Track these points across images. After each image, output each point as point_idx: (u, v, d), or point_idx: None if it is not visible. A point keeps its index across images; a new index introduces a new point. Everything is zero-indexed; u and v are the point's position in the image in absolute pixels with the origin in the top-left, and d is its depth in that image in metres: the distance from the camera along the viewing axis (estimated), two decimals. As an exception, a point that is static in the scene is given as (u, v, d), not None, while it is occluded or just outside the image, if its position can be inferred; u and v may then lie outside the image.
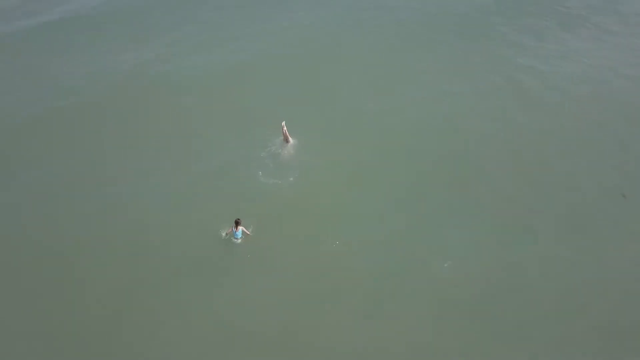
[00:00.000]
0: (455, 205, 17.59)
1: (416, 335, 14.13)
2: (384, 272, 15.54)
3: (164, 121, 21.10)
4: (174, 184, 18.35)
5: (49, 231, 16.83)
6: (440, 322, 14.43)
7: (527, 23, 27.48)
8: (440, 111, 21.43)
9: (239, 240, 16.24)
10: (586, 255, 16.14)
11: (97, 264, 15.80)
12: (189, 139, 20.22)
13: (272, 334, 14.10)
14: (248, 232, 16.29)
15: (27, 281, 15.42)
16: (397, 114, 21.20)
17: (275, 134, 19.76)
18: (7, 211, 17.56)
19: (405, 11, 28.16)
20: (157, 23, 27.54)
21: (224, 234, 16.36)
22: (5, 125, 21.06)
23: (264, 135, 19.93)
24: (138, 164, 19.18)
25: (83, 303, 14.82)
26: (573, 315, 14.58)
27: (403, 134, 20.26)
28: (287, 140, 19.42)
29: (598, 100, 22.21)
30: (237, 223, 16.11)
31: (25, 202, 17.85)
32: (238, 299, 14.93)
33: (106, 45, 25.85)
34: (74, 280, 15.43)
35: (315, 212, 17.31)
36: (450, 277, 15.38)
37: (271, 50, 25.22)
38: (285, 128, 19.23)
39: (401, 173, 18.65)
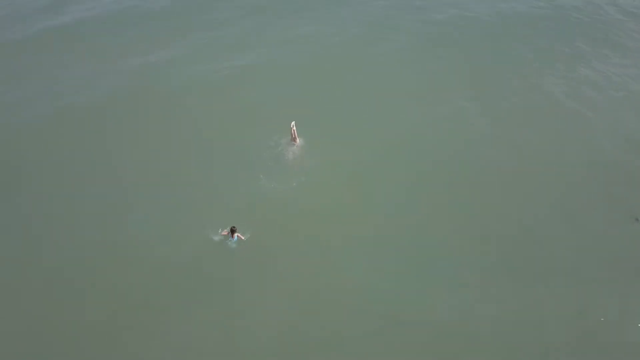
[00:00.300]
0: (456, 207, 17.61)
1: (416, 334, 14.15)
2: (385, 275, 15.55)
3: (168, 122, 21.14)
4: (175, 185, 18.34)
5: (49, 232, 16.83)
6: (436, 315, 14.53)
7: (551, 31, 27.03)
8: (445, 115, 21.42)
9: (234, 246, 16.26)
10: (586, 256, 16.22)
11: (97, 265, 15.80)
12: (192, 140, 20.25)
13: (271, 336, 14.09)
14: (243, 238, 16.30)
15: (27, 281, 15.44)
16: (403, 119, 21.18)
17: (280, 135, 19.82)
18: (8, 211, 17.59)
19: (418, 22, 27.87)
20: (169, 25, 27.52)
21: (216, 238, 16.38)
22: (12, 125, 21.13)
23: (269, 136, 19.95)
24: (139, 165, 19.18)
25: (82, 305, 14.80)
26: (573, 317, 14.59)
27: (408, 140, 20.18)
28: (294, 141, 19.50)
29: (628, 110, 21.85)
30: (232, 231, 16.17)
31: (26, 201, 17.88)
32: (237, 301, 14.92)
33: (113, 46, 25.90)
34: (74, 281, 15.42)
35: (316, 218, 17.23)
36: (450, 277, 15.42)
37: (279, 53, 25.16)
38: (294, 128, 19.34)
39: (406, 179, 18.55)
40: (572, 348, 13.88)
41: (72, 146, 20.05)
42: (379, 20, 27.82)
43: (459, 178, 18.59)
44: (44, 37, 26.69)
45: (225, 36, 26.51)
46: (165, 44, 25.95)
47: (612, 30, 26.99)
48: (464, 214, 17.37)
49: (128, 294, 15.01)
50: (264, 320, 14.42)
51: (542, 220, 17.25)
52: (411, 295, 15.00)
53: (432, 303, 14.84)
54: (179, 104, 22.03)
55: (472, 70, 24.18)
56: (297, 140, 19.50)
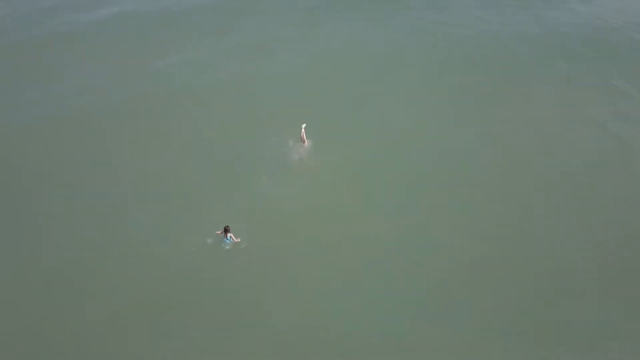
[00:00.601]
0: (458, 208, 17.63)
1: (416, 334, 14.16)
2: (386, 275, 15.54)
3: (171, 123, 21.23)
4: (176, 185, 18.37)
5: (49, 232, 16.85)
6: (437, 315, 14.60)
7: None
8: (449, 116, 21.46)
9: (228, 247, 16.20)
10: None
11: (97, 265, 15.80)
12: (195, 141, 20.33)
13: (271, 336, 14.08)
14: (236, 240, 16.21)
15: (27, 281, 15.44)
16: (408, 120, 21.18)
17: (286, 136, 19.87)
18: (8, 212, 17.64)
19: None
20: (171, 29, 27.56)
21: (210, 240, 16.35)
22: (13, 125, 21.19)
23: (275, 138, 19.97)
24: (139, 165, 19.23)
25: (82, 305, 14.78)
26: (574, 317, 14.61)
27: (413, 141, 20.15)
28: (303, 142, 19.63)
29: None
30: (226, 230, 16.10)
31: (26, 202, 17.90)
32: (237, 301, 14.91)
33: (115, 49, 25.97)
34: (74, 281, 15.42)
35: (321, 218, 17.20)
36: (451, 277, 15.49)
37: (285, 56, 25.16)
38: (304, 130, 19.50)
39: (410, 181, 18.52)
40: (575, 350, 13.90)
41: (72, 146, 20.09)
42: (380, 23, 27.86)
43: (462, 179, 18.61)
44: (49, 38, 26.84)
45: (231, 39, 26.56)
46: (168, 47, 26.02)
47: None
48: (464, 214, 17.37)
49: (128, 294, 14.99)
50: (263, 320, 14.41)
51: (543, 221, 17.26)
52: (412, 295, 14.99)
53: (433, 303, 14.85)
54: (180, 105, 22.14)
55: (476, 72, 24.17)
56: (306, 142, 19.60)
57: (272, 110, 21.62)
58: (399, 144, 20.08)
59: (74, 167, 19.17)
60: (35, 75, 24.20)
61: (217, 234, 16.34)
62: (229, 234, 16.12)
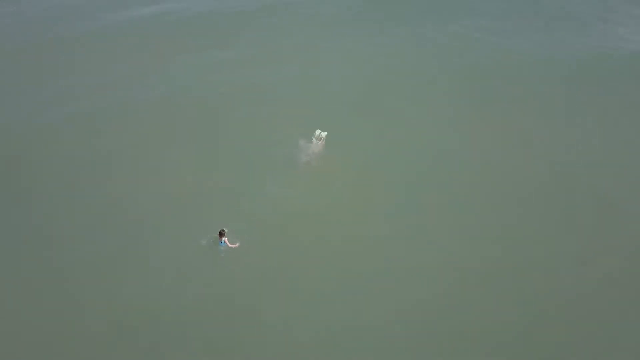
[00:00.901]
0: (457, 208, 17.65)
1: (417, 334, 14.19)
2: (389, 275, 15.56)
3: (178, 124, 21.29)
4: (176, 185, 18.40)
5: (48, 233, 16.86)
6: (438, 315, 14.64)
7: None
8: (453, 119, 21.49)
9: (222, 254, 16.10)
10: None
11: (97, 266, 15.80)
12: (199, 140, 20.38)
13: (271, 336, 14.10)
14: (230, 245, 16.10)
15: (27, 281, 15.46)
16: (414, 123, 21.21)
17: (290, 137, 19.85)
18: (9, 213, 17.64)
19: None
20: (197, 33, 27.46)
21: (204, 242, 16.31)
22: (14, 126, 21.27)
23: (278, 139, 19.97)
24: (141, 164, 19.28)
25: (82, 306, 14.78)
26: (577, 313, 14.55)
27: (420, 144, 20.13)
28: (317, 142, 19.58)
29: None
30: (221, 234, 16.04)
31: (27, 202, 17.95)
32: (237, 302, 14.92)
33: (119, 53, 26.00)
34: (73, 282, 15.43)
35: (315, 224, 17.14)
36: (452, 277, 15.51)
37: (303, 64, 25.10)
38: (321, 136, 19.48)
39: (418, 183, 18.52)
40: (576, 351, 13.89)
41: (73, 146, 20.09)
42: (383, 28, 27.90)
43: (463, 179, 18.66)
44: (49, 40, 26.83)
45: (236, 43, 26.50)
46: (169, 50, 25.93)
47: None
48: (465, 214, 17.40)
49: (127, 294, 14.98)
50: (263, 320, 14.40)
51: (543, 221, 17.27)
52: (412, 296, 14.98)
53: (434, 303, 14.85)
54: (182, 107, 22.11)
55: (477, 74, 24.14)
56: (321, 146, 19.53)
57: (274, 112, 21.59)
58: (403, 146, 20.07)
59: (74, 167, 19.16)
60: (37, 76, 24.19)
61: (216, 235, 16.33)
62: (223, 238, 16.04)
